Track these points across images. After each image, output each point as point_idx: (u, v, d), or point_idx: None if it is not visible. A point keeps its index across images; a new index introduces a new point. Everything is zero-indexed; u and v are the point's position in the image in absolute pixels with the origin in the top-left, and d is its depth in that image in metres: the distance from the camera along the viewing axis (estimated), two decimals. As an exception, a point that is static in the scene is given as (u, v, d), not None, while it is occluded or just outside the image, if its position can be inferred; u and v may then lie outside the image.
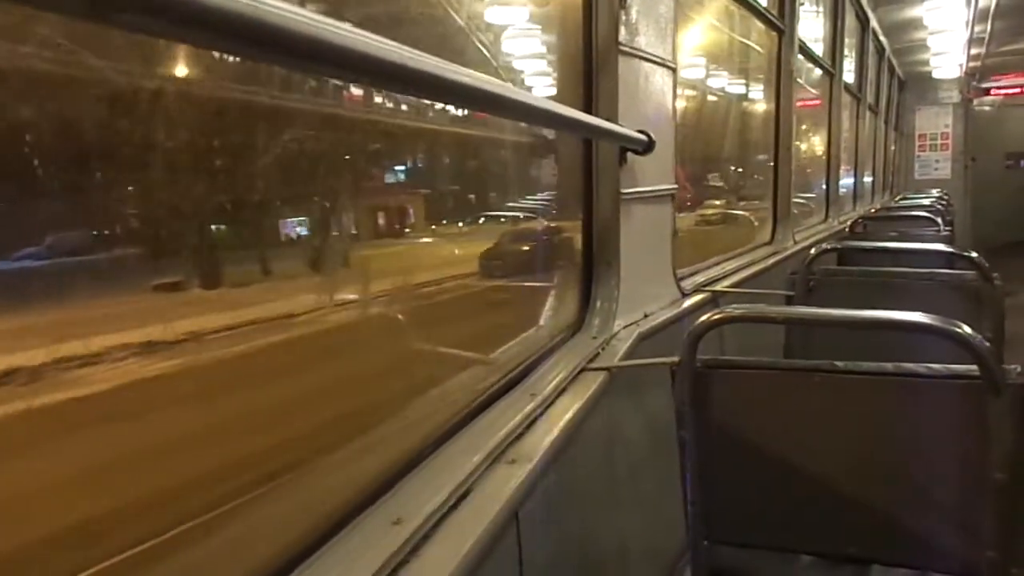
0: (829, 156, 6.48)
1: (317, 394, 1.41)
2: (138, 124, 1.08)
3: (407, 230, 2.12)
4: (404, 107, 2.09)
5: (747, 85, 5.39)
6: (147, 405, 1.14)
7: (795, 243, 4.56)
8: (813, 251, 2.99)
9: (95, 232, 1.14)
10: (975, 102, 12.65)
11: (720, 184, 5.16)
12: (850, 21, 7.06)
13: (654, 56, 2.32)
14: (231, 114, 1.26)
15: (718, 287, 2.97)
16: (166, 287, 1.21)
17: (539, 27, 2.71)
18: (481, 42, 2.18)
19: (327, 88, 1.50)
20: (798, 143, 5.43)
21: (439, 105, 2.18)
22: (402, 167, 2.17)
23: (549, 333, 2.06)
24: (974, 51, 10.14)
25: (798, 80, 4.81)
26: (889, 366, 1.52)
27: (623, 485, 2.04)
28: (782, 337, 2.67)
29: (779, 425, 1.62)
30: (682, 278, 2.69)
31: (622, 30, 2.10)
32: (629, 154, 2.18)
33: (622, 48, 2.11)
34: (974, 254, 2.75)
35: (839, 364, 1.55)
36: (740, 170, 5.52)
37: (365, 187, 1.83)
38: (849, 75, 7.55)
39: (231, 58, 1.11)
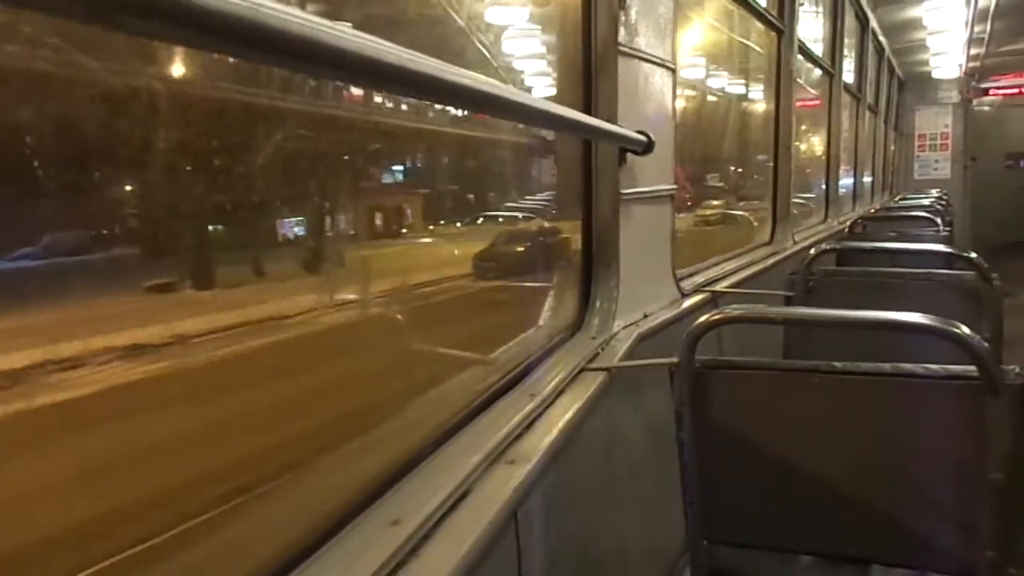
0: (829, 156, 6.48)
1: (308, 397, 1.40)
2: (129, 123, 1.07)
3: (404, 230, 2.12)
4: (404, 107, 2.09)
5: (747, 85, 5.39)
6: (126, 410, 1.11)
7: (794, 243, 4.56)
8: (812, 251, 2.99)
9: (87, 233, 1.12)
10: (975, 102, 12.66)
11: (720, 184, 5.17)
12: (850, 21, 7.06)
13: (653, 57, 2.32)
14: (222, 113, 1.25)
15: (717, 287, 2.97)
16: (158, 288, 1.19)
17: (539, 27, 2.71)
18: (481, 42, 2.18)
19: (319, 87, 1.49)
20: (798, 143, 5.44)
21: (437, 105, 2.18)
22: (399, 167, 2.17)
23: (548, 333, 2.06)
24: (974, 51, 10.15)
25: (798, 80, 4.81)
26: (887, 366, 1.52)
27: (622, 485, 2.04)
28: (781, 337, 2.67)
29: (778, 425, 1.63)
30: (681, 278, 2.70)
31: (621, 31, 2.10)
32: (628, 154, 2.18)
33: (621, 49, 2.11)
34: (973, 254, 2.75)
35: (838, 365, 1.55)
36: (740, 170, 5.52)
37: (361, 187, 1.83)
38: (849, 75, 7.56)
39: (222, 57, 1.10)
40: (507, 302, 2.39)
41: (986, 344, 1.41)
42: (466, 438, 1.41)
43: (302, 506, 1.15)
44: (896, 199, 9.75)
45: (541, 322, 2.13)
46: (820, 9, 6.36)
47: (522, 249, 2.54)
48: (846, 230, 5.64)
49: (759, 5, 4.12)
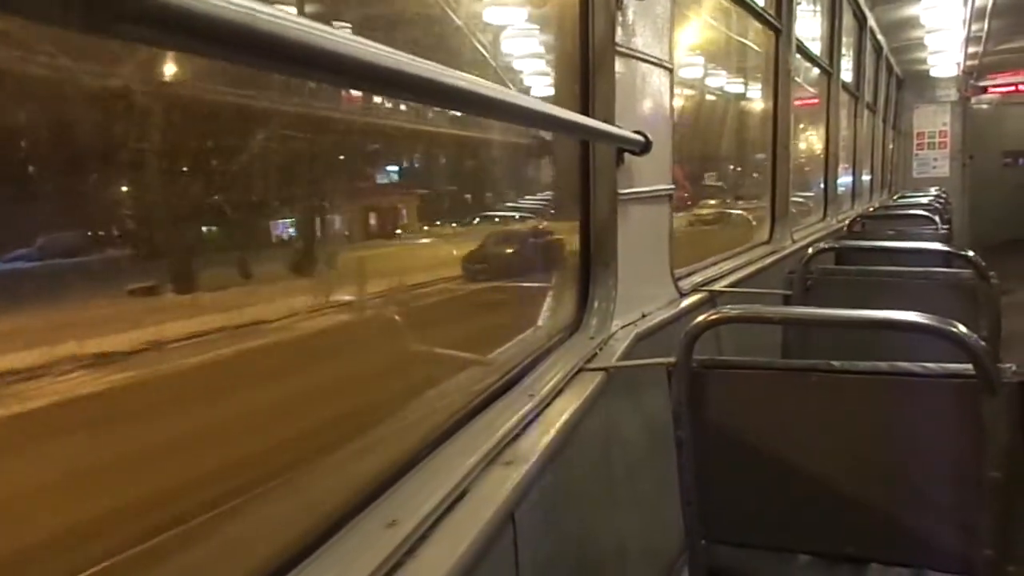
0: (827, 155, 6.48)
1: (294, 402, 1.37)
2: (113, 123, 1.05)
3: (399, 231, 2.11)
4: (403, 107, 2.09)
5: (745, 84, 5.39)
6: (83, 424, 1.07)
7: (793, 242, 4.56)
8: (810, 251, 3.00)
9: (70, 235, 1.08)
10: (973, 100, 12.66)
11: (719, 184, 5.17)
12: (848, 20, 7.06)
13: (651, 56, 2.32)
14: (206, 114, 1.23)
15: (716, 287, 2.98)
16: (140, 291, 1.15)
17: (537, 27, 2.71)
18: (480, 42, 2.18)
19: (306, 86, 1.47)
20: (796, 142, 5.44)
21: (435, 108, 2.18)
22: (394, 168, 2.17)
23: (546, 334, 2.06)
24: (971, 49, 10.15)
25: (796, 79, 4.81)
26: (885, 365, 1.52)
27: (620, 485, 2.04)
28: (780, 336, 2.67)
29: (776, 425, 1.63)
30: (680, 278, 2.70)
31: (619, 31, 2.10)
32: (626, 155, 2.18)
33: (619, 49, 2.11)
34: (970, 253, 2.75)
35: (835, 364, 1.56)
36: (738, 169, 5.52)
37: (353, 188, 1.82)
38: (847, 74, 7.56)
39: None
40: (504, 303, 2.38)
41: (983, 343, 1.41)
42: (463, 439, 1.41)
43: (297, 509, 1.15)
44: (895, 197, 9.77)
45: (539, 322, 2.13)
46: (818, 8, 6.36)
47: (513, 251, 2.53)
48: (845, 229, 5.65)
49: (757, 4, 4.12)
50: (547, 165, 2.66)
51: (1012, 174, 12.74)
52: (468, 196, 2.52)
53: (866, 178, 9.44)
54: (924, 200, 7.32)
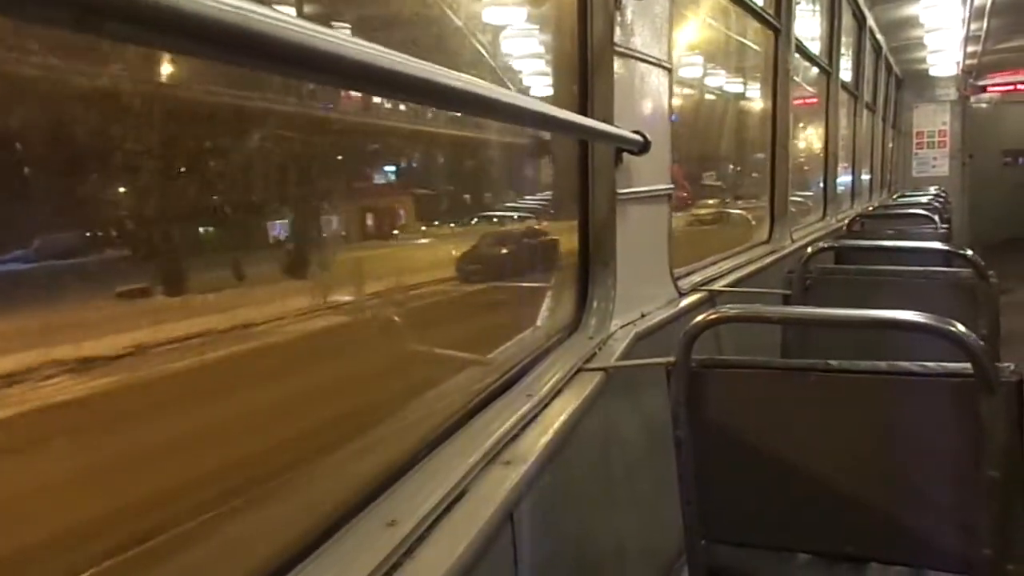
0: (827, 154, 6.49)
1: (269, 413, 1.35)
2: (98, 120, 1.03)
3: (396, 231, 2.11)
4: (402, 108, 2.08)
5: (744, 84, 5.39)
6: (57, 432, 1.03)
7: (792, 242, 4.56)
8: (810, 250, 3.00)
9: (57, 236, 1.06)
10: (972, 99, 12.66)
11: (718, 183, 5.16)
12: (847, 20, 7.06)
13: (650, 56, 2.32)
14: (193, 112, 1.21)
15: (715, 287, 2.98)
16: (131, 294, 1.13)
17: (536, 27, 2.71)
18: (480, 43, 2.17)
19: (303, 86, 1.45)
20: (796, 141, 5.44)
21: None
22: (391, 168, 2.17)
23: (546, 334, 2.06)
24: (971, 48, 10.15)
25: (795, 79, 4.81)
26: (884, 365, 1.52)
27: (619, 485, 2.04)
28: (779, 336, 2.67)
29: (775, 424, 1.63)
30: (679, 277, 2.70)
31: (617, 30, 2.10)
32: (625, 154, 2.18)
33: (617, 48, 2.11)
34: (969, 252, 2.76)
35: (834, 363, 1.56)
36: (737, 169, 5.53)
37: (348, 188, 1.81)
38: (846, 73, 7.56)
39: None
40: (503, 303, 2.38)
41: (981, 342, 1.42)
42: (462, 439, 1.41)
43: (297, 509, 1.15)
44: (894, 196, 9.77)
45: (538, 323, 2.13)
46: (817, 8, 6.36)
47: (512, 251, 2.53)
48: (844, 228, 5.65)
49: (756, 4, 4.12)
50: (546, 165, 2.66)
51: (1012, 173, 12.75)
52: (466, 196, 2.52)
53: (865, 177, 9.44)
54: (924, 199, 7.32)
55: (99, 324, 1.08)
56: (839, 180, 7.17)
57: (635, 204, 2.26)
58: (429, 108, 2.03)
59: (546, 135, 2.40)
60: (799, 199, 5.91)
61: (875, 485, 1.56)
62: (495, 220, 2.51)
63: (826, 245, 3.33)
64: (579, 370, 1.85)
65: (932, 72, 12.12)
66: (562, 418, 1.58)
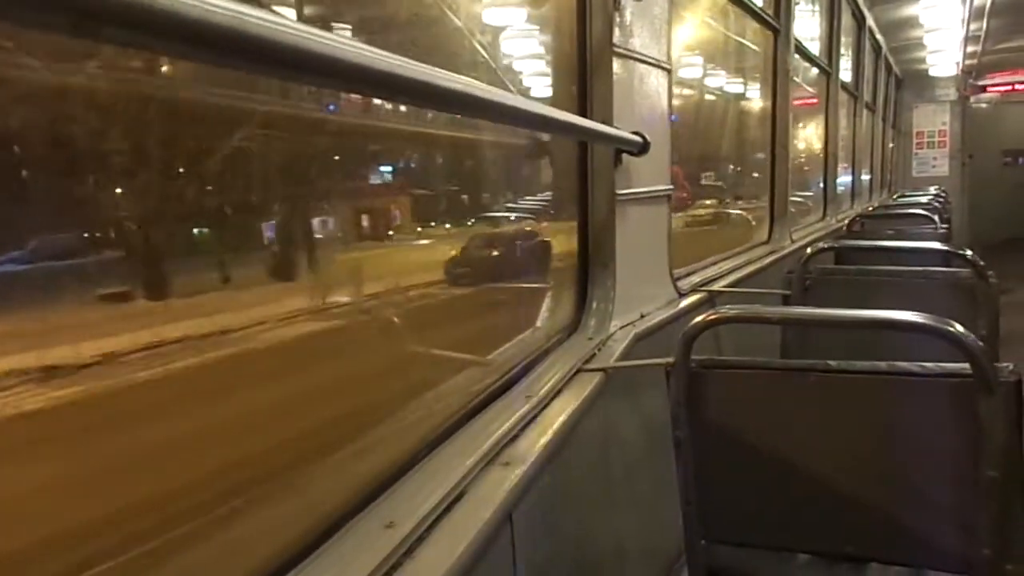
0: (827, 154, 6.49)
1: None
2: (80, 118, 1.02)
3: (390, 232, 2.10)
4: (401, 109, 2.08)
5: (744, 84, 5.39)
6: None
7: (792, 242, 4.56)
8: (809, 250, 3.00)
9: (37, 236, 1.03)
10: (972, 99, 12.65)
11: (718, 183, 5.17)
12: (846, 20, 7.06)
13: (649, 57, 2.33)
14: (175, 112, 1.20)
15: (714, 287, 2.98)
16: (111, 298, 1.09)
17: (536, 28, 2.71)
18: (480, 43, 2.18)
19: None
20: (796, 142, 5.44)
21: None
22: (387, 168, 2.17)
23: (545, 335, 2.06)
24: (970, 49, 10.15)
25: (794, 79, 4.81)
26: (883, 365, 1.52)
27: (619, 486, 2.04)
28: (779, 336, 2.67)
29: (774, 425, 1.63)
30: (679, 278, 2.70)
31: (616, 31, 2.11)
32: (624, 155, 2.18)
33: (616, 49, 2.11)
34: (969, 252, 2.76)
35: (833, 364, 1.56)
36: (737, 169, 5.53)
37: (344, 189, 1.80)
38: (846, 73, 7.56)
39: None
40: (503, 303, 2.38)
41: (980, 342, 1.42)
42: (461, 440, 1.41)
43: (296, 510, 1.15)
44: (894, 196, 9.77)
45: (537, 323, 2.13)
46: (816, 8, 6.36)
47: (511, 252, 2.53)
48: (844, 228, 5.65)
49: (755, 4, 4.12)
50: (545, 166, 2.66)
51: (1011, 173, 12.75)
52: (464, 197, 2.52)
53: (865, 177, 9.44)
54: (923, 199, 7.32)
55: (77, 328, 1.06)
56: (839, 180, 7.18)
57: (634, 205, 2.27)
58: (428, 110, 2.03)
59: (545, 135, 2.40)
60: (799, 199, 5.91)
61: (874, 485, 1.56)
62: (494, 221, 2.51)
63: (826, 245, 3.33)
64: (578, 371, 1.85)
65: (932, 72, 12.11)
66: (561, 419, 1.58)
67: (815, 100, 6.56)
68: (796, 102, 5.13)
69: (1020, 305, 6.10)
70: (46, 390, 0.99)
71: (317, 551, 1.04)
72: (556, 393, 1.71)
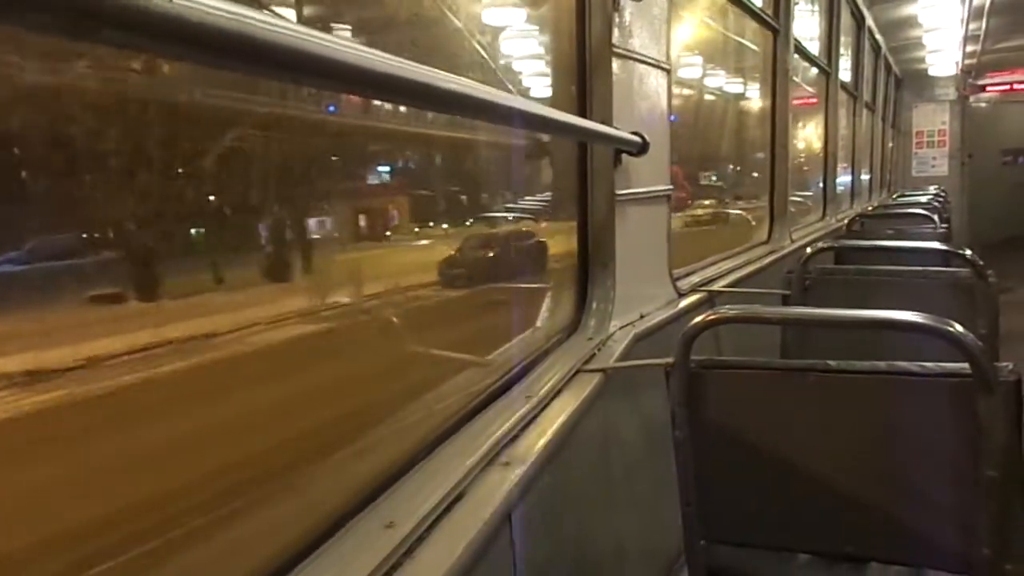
0: (826, 154, 6.49)
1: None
2: (72, 118, 1.01)
3: (388, 232, 2.10)
4: (401, 110, 2.08)
5: (743, 84, 5.39)
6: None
7: (792, 242, 4.56)
8: (809, 250, 3.00)
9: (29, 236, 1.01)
10: (971, 99, 12.66)
11: (718, 183, 5.17)
12: (845, 20, 7.06)
13: (648, 57, 2.33)
14: (173, 112, 1.19)
15: (714, 287, 2.98)
16: (102, 299, 1.07)
17: (535, 28, 2.71)
18: (480, 44, 2.18)
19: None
20: (795, 141, 5.44)
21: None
22: (386, 168, 2.17)
23: (545, 335, 2.06)
24: (970, 48, 10.16)
25: (794, 79, 4.81)
26: (883, 365, 1.52)
27: (619, 486, 2.04)
28: (778, 336, 2.67)
29: (774, 425, 1.63)
30: (678, 278, 2.70)
31: (616, 32, 2.11)
32: (624, 155, 2.18)
33: (616, 50, 2.11)
34: (968, 252, 2.76)
35: (832, 364, 1.56)
36: (737, 169, 5.53)
37: (341, 189, 1.79)
38: (845, 73, 7.56)
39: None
40: (503, 303, 2.38)
41: (979, 342, 1.42)
42: (461, 441, 1.41)
43: (296, 511, 1.15)
44: (894, 196, 9.77)
45: (537, 324, 2.13)
46: (816, 8, 6.36)
47: (510, 252, 2.53)
48: (844, 228, 5.65)
49: (754, 4, 4.12)
50: (544, 166, 2.66)
51: (1011, 172, 12.75)
52: (463, 198, 2.52)
53: (865, 177, 9.45)
54: (923, 199, 7.32)
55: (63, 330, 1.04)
56: (838, 180, 7.18)
57: (634, 205, 2.27)
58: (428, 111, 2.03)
59: (544, 136, 2.40)
60: (798, 199, 5.91)
61: (874, 485, 1.56)
62: (494, 221, 2.51)
63: (825, 245, 3.33)
64: (578, 371, 1.85)
65: (931, 72, 12.12)
66: (561, 419, 1.58)
67: (815, 100, 6.56)
68: (796, 102, 5.13)
69: (1020, 305, 6.10)
70: (21, 396, 0.97)
71: (317, 551, 1.04)
72: (556, 393, 1.71)
